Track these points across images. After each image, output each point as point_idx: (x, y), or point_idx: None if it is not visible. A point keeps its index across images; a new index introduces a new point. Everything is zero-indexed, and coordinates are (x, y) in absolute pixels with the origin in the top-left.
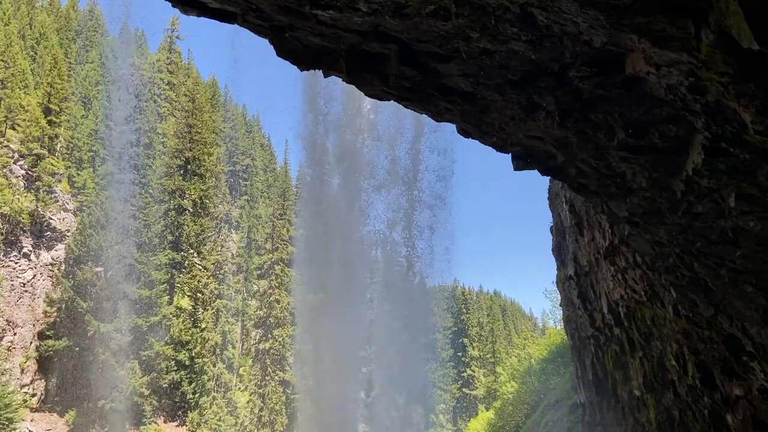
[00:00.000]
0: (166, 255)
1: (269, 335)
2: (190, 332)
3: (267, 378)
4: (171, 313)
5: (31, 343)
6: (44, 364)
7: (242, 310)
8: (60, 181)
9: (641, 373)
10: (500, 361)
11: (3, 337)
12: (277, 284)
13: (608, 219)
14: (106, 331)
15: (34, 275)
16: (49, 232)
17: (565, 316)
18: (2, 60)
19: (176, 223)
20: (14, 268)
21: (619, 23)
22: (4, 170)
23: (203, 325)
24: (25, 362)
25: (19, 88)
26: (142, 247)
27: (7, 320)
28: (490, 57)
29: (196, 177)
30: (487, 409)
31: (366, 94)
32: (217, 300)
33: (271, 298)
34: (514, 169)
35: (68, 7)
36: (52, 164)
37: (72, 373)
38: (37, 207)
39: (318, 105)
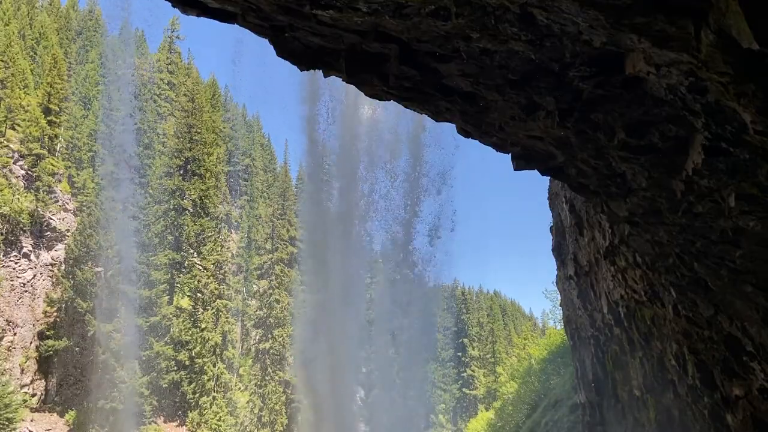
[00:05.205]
0: (166, 255)
1: (269, 335)
2: (190, 332)
3: (267, 378)
4: (171, 313)
5: (31, 343)
6: (44, 364)
7: (242, 310)
8: (60, 181)
9: (641, 373)
10: (500, 361)
11: (3, 337)
12: (277, 284)
13: (608, 219)
14: (106, 331)
15: (34, 275)
16: (49, 232)
17: (565, 316)
18: (2, 60)
19: (176, 223)
20: (14, 268)
21: (619, 23)
22: (4, 170)
23: (203, 325)
24: (25, 362)
25: (19, 88)
26: (142, 247)
27: (7, 320)
28: (490, 57)
29: (196, 177)
30: (487, 409)
31: (366, 94)
32: (217, 300)
33: (271, 298)
34: (514, 169)
35: (68, 7)
36: (52, 164)
37: (72, 373)
38: (37, 207)
39: (318, 101)
